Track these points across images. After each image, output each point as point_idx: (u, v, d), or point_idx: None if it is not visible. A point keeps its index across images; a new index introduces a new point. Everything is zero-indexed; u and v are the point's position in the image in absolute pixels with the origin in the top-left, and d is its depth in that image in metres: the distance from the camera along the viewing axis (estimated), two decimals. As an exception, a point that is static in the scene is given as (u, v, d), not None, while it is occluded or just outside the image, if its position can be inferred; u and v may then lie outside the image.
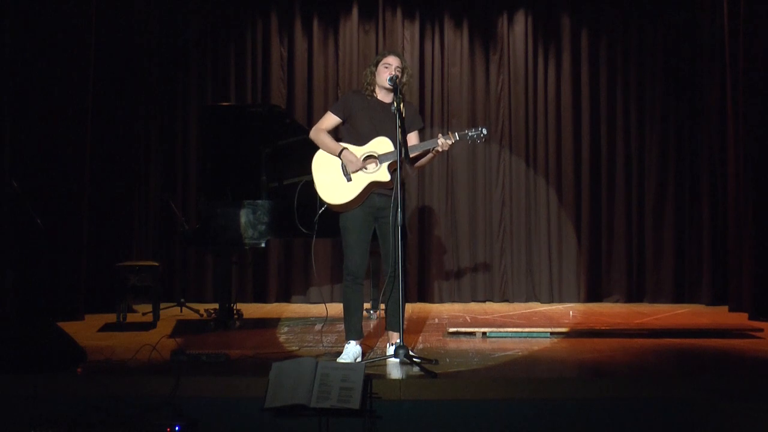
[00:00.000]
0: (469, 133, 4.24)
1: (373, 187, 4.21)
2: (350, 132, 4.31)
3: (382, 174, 4.19)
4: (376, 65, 4.31)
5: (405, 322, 4.29)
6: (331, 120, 4.35)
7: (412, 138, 4.35)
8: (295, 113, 7.54)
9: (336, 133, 4.41)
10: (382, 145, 4.20)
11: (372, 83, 4.32)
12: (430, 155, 4.31)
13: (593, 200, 7.70)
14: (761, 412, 3.64)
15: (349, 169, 4.20)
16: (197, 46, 7.69)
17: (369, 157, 4.22)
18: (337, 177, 4.24)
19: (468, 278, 7.66)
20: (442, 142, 4.15)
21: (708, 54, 7.40)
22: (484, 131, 4.25)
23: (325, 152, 4.30)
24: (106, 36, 6.71)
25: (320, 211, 4.36)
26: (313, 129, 4.38)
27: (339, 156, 4.23)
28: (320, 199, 4.29)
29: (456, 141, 4.20)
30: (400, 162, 4.04)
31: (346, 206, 4.24)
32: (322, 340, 5.04)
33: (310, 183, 4.34)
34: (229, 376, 3.90)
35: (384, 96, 4.32)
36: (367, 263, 4.36)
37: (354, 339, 4.29)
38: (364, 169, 4.20)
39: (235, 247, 5.65)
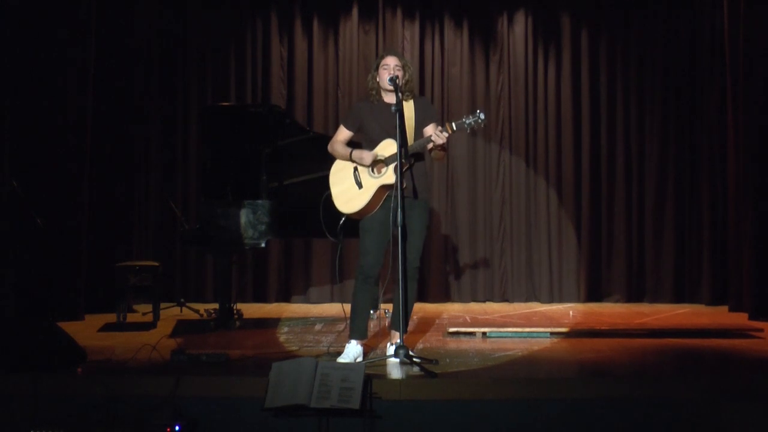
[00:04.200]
0: (466, 121, 4.12)
1: (384, 190, 4.21)
2: (365, 140, 4.35)
3: (389, 176, 4.18)
4: (377, 69, 4.32)
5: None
6: (344, 133, 4.39)
7: (431, 131, 4.26)
8: (295, 113, 7.53)
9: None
10: (388, 147, 4.20)
11: (375, 87, 4.33)
12: (440, 149, 4.25)
13: (593, 200, 7.69)
14: (761, 412, 3.64)
15: (364, 162, 4.19)
16: (197, 46, 7.68)
17: (378, 162, 4.23)
18: (350, 186, 4.27)
19: (468, 278, 7.66)
20: (436, 135, 4.12)
21: (708, 54, 7.40)
22: (482, 116, 4.10)
23: (338, 165, 4.34)
24: (106, 36, 6.71)
25: (342, 221, 4.43)
26: (330, 142, 4.42)
27: (350, 157, 4.25)
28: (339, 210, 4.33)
29: (453, 131, 4.12)
30: (400, 163, 4.03)
31: (362, 213, 4.26)
32: (324, 339, 5.04)
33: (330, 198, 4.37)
34: (229, 376, 3.90)
35: (390, 98, 4.31)
36: (381, 265, 4.33)
37: (356, 339, 4.29)
38: (371, 175, 4.21)
39: (235, 247, 5.65)
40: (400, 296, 4.07)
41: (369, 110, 4.32)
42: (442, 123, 4.24)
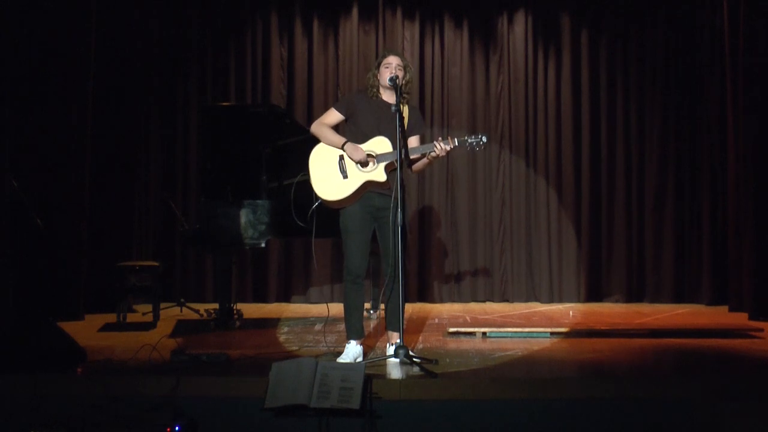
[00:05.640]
0: (469, 140, 4.24)
1: (368, 186, 4.21)
2: (352, 130, 4.32)
3: (378, 174, 4.19)
4: (378, 67, 4.33)
5: (405, 322, 4.29)
6: (333, 116, 4.36)
7: (413, 142, 4.36)
8: (295, 113, 7.53)
9: (337, 131, 4.42)
10: (381, 144, 4.21)
11: (374, 85, 4.34)
12: (427, 159, 4.32)
13: (593, 200, 7.70)
14: (761, 412, 3.64)
15: (354, 158, 4.18)
16: (197, 46, 7.68)
17: (367, 155, 4.22)
18: (333, 173, 4.24)
19: (468, 278, 7.66)
20: (441, 147, 4.16)
21: (708, 54, 7.40)
22: (484, 139, 4.25)
23: (323, 149, 4.31)
24: (107, 36, 6.71)
25: (315, 205, 4.38)
26: (315, 123, 4.39)
27: (342, 147, 4.23)
28: (315, 194, 4.30)
29: (455, 147, 4.20)
30: (400, 162, 4.04)
31: (340, 203, 4.25)
32: (324, 339, 5.04)
33: (308, 180, 4.35)
34: (229, 376, 3.90)
35: (388, 96, 4.33)
36: (367, 263, 4.37)
37: (354, 339, 4.29)
38: (359, 168, 4.20)
39: (235, 247, 5.65)
40: (399, 296, 4.07)
41: (366, 103, 4.32)
42: (433, 137, 4.27)
